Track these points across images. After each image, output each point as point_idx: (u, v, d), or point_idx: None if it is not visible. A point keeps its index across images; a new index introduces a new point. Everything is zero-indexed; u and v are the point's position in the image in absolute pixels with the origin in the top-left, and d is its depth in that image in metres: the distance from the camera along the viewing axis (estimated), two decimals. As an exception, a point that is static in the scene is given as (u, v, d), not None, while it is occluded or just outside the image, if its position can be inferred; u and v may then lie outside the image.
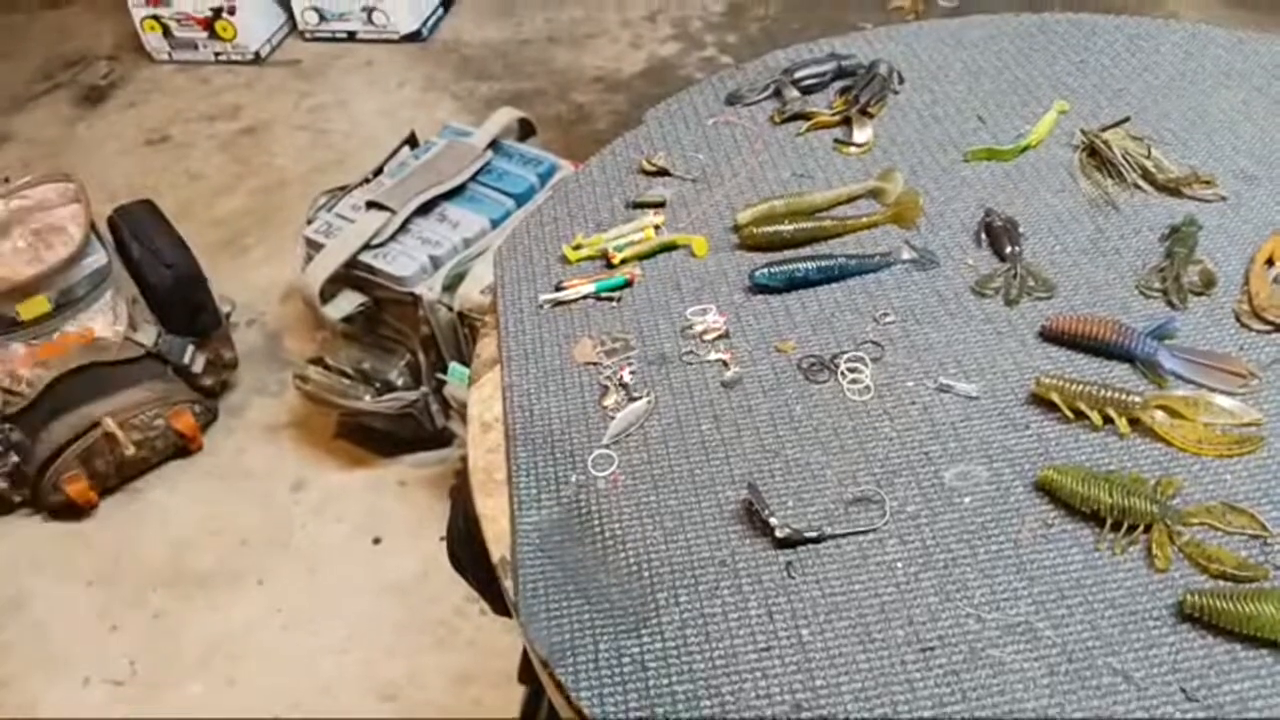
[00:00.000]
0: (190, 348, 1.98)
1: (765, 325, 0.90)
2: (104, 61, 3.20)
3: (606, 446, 0.82)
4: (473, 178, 1.89)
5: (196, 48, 3.10)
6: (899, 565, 0.72)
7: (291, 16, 3.15)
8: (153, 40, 3.12)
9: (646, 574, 0.73)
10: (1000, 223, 0.95)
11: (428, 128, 2.17)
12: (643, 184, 1.07)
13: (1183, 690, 0.64)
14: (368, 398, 1.85)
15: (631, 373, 0.87)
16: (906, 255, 0.94)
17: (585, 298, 0.95)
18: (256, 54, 3.08)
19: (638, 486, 0.79)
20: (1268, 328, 0.84)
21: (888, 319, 0.89)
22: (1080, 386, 0.79)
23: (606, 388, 0.86)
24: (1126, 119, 1.05)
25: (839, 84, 1.16)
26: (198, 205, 2.61)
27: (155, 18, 3.06)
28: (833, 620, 0.69)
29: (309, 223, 1.90)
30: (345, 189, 1.95)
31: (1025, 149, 1.04)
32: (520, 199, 1.87)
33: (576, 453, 0.82)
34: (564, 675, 0.68)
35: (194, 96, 3.01)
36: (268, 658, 1.70)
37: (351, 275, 1.81)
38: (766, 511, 0.74)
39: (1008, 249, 0.93)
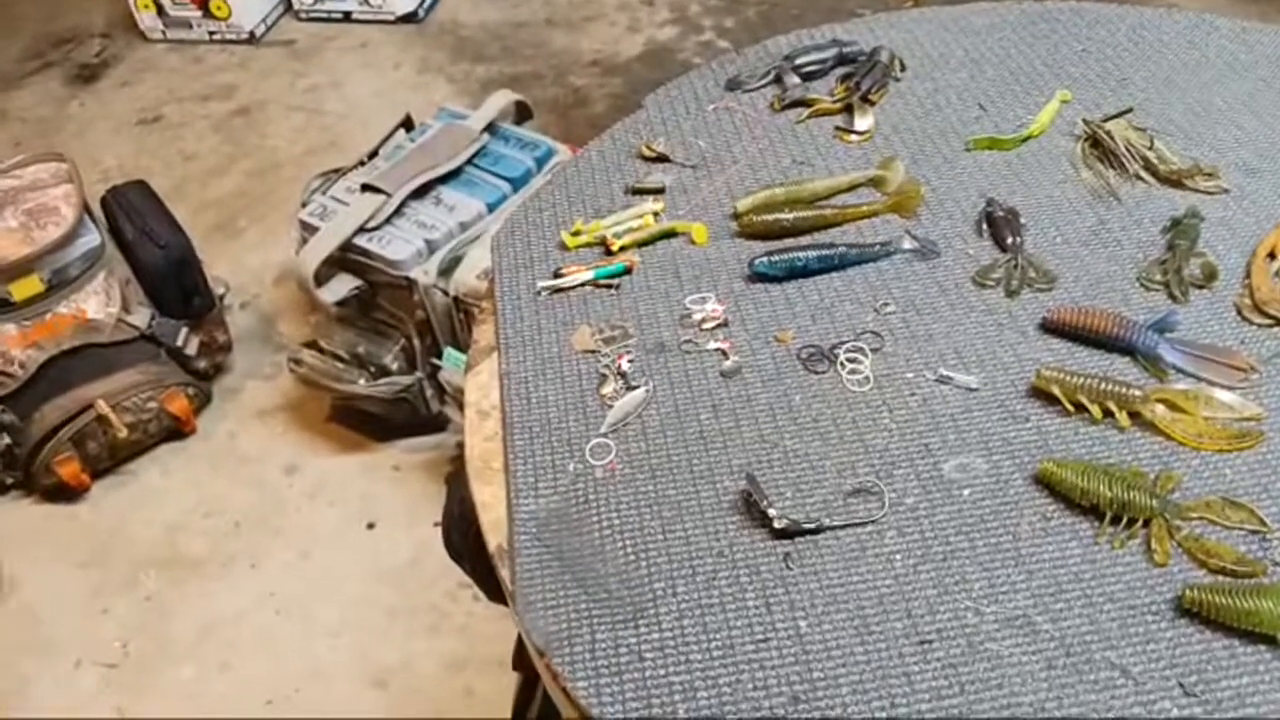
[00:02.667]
0: (184, 330, 1.97)
1: (764, 314, 0.90)
2: (97, 40, 3.17)
3: (604, 435, 0.82)
4: (469, 161, 1.87)
5: (191, 26, 3.08)
6: (897, 557, 0.71)
7: (287, -4, 3.13)
8: (146, 19, 3.09)
9: (644, 564, 0.73)
10: (1001, 213, 0.95)
11: (423, 110, 2.15)
12: (642, 170, 1.06)
13: (1181, 685, 0.64)
14: (362, 382, 1.84)
15: (630, 361, 0.87)
16: (907, 245, 0.94)
17: (583, 285, 0.94)
18: (251, 33, 3.06)
19: (635, 476, 0.78)
20: (1269, 321, 0.84)
21: (888, 309, 0.89)
22: (1080, 379, 0.78)
23: (605, 376, 0.86)
24: (1129, 109, 1.04)
25: (840, 71, 1.15)
26: (191, 186, 2.59)
27: (149, -5, 3.03)
28: (830, 612, 0.69)
29: (303, 205, 1.89)
30: (340, 171, 1.93)
31: (1027, 138, 1.04)
32: (517, 183, 1.86)
33: (574, 441, 0.81)
34: (560, 665, 0.68)
35: (188, 76, 2.99)
36: (260, 642, 1.70)
37: (346, 259, 1.80)
38: (765, 502, 0.74)
39: (1009, 239, 0.92)
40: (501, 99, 1.98)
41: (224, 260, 2.29)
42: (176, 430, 2.00)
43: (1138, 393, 0.78)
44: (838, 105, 1.10)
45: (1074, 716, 0.63)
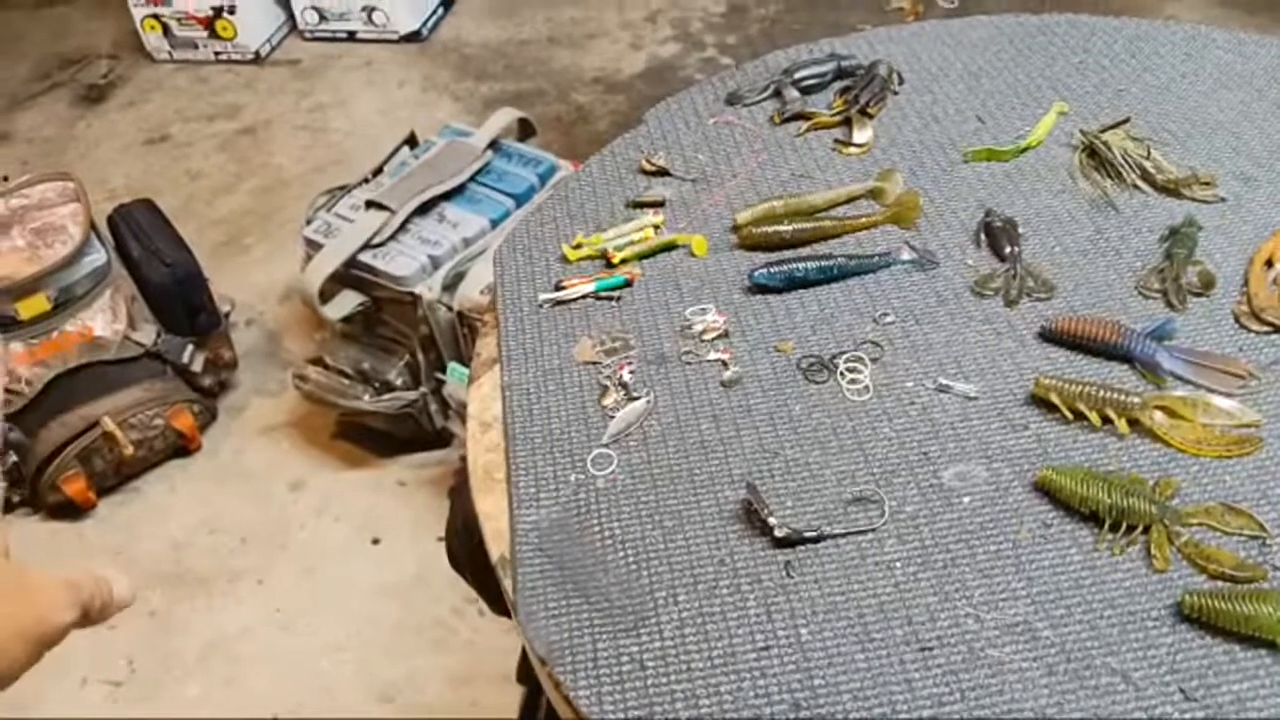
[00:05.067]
0: (189, 347, 1.98)
1: (765, 325, 0.90)
2: (103, 60, 3.20)
3: (606, 446, 0.82)
4: (472, 178, 1.89)
5: (196, 47, 3.10)
6: (898, 565, 0.72)
7: (292, 16, 3.16)
8: (153, 39, 3.12)
9: (645, 573, 0.73)
10: (1000, 223, 0.95)
11: (427, 128, 2.17)
12: (643, 183, 1.07)
13: (1181, 690, 0.64)
14: (367, 397, 1.85)
15: (631, 372, 0.87)
16: (906, 255, 0.94)
17: (585, 297, 0.95)
18: (256, 53, 3.08)
19: (637, 486, 0.79)
20: (1266, 329, 0.84)
21: (887, 319, 0.89)
22: (1079, 387, 0.79)
23: (606, 387, 0.86)
24: (1126, 120, 1.05)
25: (839, 84, 1.16)
26: (197, 204, 2.61)
27: (155, 17, 3.06)
28: (831, 620, 0.69)
29: (308, 222, 1.90)
30: (345, 189, 1.95)
31: (1025, 150, 1.05)
32: (520, 199, 1.87)
33: (576, 452, 0.82)
34: (562, 674, 0.68)
35: (194, 96, 3.01)
36: (266, 658, 1.70)
37: (351, 275, 1.81)
38: (765, 511, 0.74)
39: (1007, 249, 0.93)
40: (505, 116, 2.00)
41: (230, 278, 2.31)
42: (182, 447, 2.01)
43: (1136, 400, 0.78)
44: (836, 118, 1.11)
45: (1075, 722, 0.63)
